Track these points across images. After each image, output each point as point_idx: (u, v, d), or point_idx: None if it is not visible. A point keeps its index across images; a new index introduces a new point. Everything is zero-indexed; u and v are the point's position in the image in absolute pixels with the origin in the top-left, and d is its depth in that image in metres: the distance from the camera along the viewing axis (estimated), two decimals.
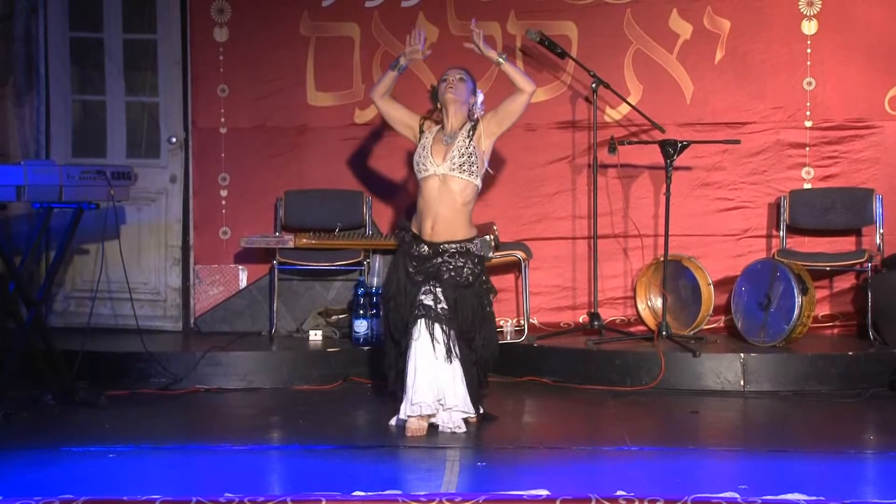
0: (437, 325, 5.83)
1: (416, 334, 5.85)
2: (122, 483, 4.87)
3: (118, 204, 6.92)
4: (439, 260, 5.99)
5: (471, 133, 6.06)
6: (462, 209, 6.05)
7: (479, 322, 6.03)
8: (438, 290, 5.90)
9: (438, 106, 6.21)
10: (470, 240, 6.09)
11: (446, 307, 5.87)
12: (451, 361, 5.83)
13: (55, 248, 7.32)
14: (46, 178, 6.37)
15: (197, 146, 8.43)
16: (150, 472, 5.16)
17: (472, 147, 6.02)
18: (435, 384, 5.80)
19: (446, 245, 6.02)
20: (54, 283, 7.91)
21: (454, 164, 5.99)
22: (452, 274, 5.96)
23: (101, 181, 6.70)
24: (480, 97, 6.21)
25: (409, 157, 8.02)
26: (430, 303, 5.87)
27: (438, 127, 6.18)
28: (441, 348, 5.82)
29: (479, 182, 6.08)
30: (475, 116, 6.14)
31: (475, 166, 6.02)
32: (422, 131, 6.19)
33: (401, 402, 5.93)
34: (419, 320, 5.86)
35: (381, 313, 6.52)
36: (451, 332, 5.85)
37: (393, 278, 6.12)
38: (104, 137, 8.49)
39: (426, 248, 6.03)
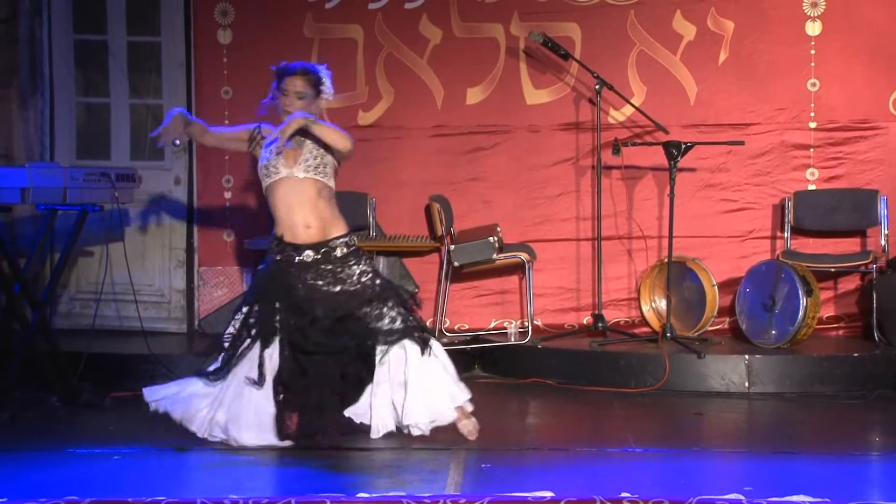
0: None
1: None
2: (127, 484, 4.87)
3: (122, 206, 6.92)
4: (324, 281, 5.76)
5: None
6: (329, 210, 5.88)
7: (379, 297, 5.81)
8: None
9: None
10: (349, 233, 5.91)
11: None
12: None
13: (60, 250, 7.31)
14: (51, 181, 6.38)
15: (201, 148, 8.43)
16: (154, 474, 5.16)
17: (320, 151, 5.81)
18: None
19: (334, 241, 5.82)
20: (59, 285, 7.91)
21: (308, 166, 5.79)
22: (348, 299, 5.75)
23: (106, 183, 6.71)
24: (327, 94, 5.93)
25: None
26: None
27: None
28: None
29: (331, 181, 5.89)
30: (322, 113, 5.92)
31: (326, 169, 5.84)
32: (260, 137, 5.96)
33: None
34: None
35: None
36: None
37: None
38: (108, 139, 8.50)
39: (310, 252, 5.79)
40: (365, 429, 5.74)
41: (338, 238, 5.83)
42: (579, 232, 8.26)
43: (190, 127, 5.99)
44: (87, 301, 8.24)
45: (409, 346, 5.69)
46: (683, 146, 7.53)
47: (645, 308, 8.05)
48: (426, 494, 4.57)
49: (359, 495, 4.57)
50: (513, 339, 7.75)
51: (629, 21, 8.20)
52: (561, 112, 8.27)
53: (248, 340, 5.70)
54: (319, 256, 5.78)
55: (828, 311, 8.04)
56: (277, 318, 5.69)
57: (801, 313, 7.23)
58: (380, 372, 5.72)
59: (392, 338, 5.70)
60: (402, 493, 4.60)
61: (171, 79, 8.42)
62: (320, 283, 5.75)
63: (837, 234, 8.08)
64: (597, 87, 7.82)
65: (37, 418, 6.29)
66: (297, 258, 5.77)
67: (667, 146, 7.55)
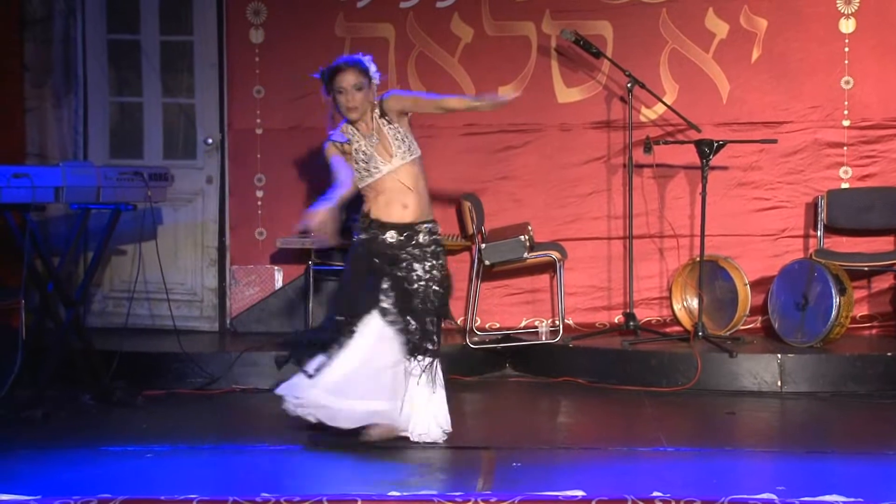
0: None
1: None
2: (160, 482, 4.89)
3: (155, 205, 6.95)
4: (405, 266, 5.73)
5: (386, 119, 5.80)
6: (425, 187, 5.86)
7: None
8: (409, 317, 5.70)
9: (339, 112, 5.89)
10: (434, 220, 5.88)
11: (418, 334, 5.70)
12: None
13: (93, 249, 7.37)
14: (84, 180, 6.42)
15: (233, 147, 8.46)
16: (186, 472, 5.19)
17: (399, 130, 5.80)
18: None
19: (419, 226, 5.78)
20: (92, 284, 7.95)
21: (402, 152, 5.78)
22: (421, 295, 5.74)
23: (139, 182, 6.74)
24: (376, 78, 5.86)
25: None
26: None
27: (355, 131, 5.85)
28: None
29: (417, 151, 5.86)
30: (376, 100, 5.85)
31: (413, 144, 5.84)
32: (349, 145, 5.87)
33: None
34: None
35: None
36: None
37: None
38: (141, 139, 8.54)
39: (394, 232, 5.75)
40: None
41: (424, 223, 5.80)
42: (610, 231, 8.24)
43: (333, 211, 5.61)
44: (120, 300, 8.28)
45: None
46: (716, 144, 7.51)
47: (676, 307, 8.02)
48: (457, 493, 4.57)
49: (390, 493, 4.58)
50: (544, 338, 7.75)
51: (661, 19, 8.17)
52: (592, 110, 8.25)
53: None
54: (403, 239, 5.75)
55: (861, 311, 7.99)
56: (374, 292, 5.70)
57: (833, 312, 7.19)
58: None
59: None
60: (433, 492, 4.60)
61: (203, 78, 8.45)
62: (394, 267, 5.73)
63: (871, 233, 8.03)
64: (628, 85, 7.80)
65: (70, 416, 6.34)
66: (380, 237, 5.74)
67: (699, 144, 7.52)
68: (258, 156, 8.45)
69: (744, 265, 7.86)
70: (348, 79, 5.74)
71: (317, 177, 8.36)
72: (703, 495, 4.46)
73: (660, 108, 8.12)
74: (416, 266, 5.72)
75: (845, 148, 8.08)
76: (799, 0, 8.08)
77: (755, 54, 8.13)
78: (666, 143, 7.87)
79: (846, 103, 8.06)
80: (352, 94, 5.74)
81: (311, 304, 8.10)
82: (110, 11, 8.46)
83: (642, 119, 8.16)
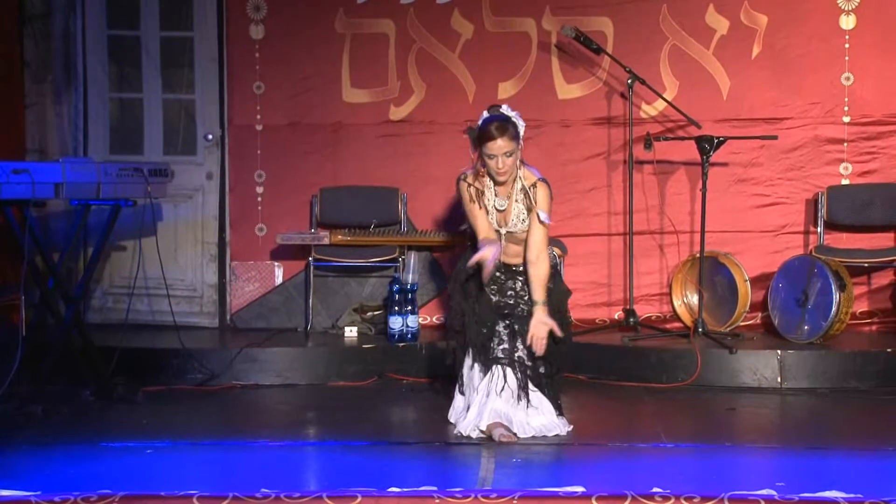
0: (510, 370, 5.80)
1: (490, 377, 5.81)
2: (160, 478, 4.89)
3: (155, 201, 6.95)
4: (517, 286, 5.98)
5: (523, 196, 5.90)
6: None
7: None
8: (516, 328, 5.88)
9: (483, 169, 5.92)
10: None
11: (523, 354, 5.83)
12: (521, 402, 5.80)
13: (93, 245, 7.36)
14: (84, 176, 6.43)
15: (233, 143, 8.46)
16: (187, 468, 5.19)
17: (523, 209, 5.91)
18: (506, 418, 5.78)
19: (517, 267, 6.00)
20: (92, 280, 7.96)
21: (515, 224, 5.91)
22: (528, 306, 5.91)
23: (139, 178, 6.74)
24: (522, 136, 5.89)
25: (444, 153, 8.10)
26: (506, 347, 5.85)
27: (488, 186, 5.94)
28: (513, 391, 5.79)
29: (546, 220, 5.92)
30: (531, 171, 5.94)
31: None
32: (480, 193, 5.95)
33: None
34: (495, 365, 5.82)
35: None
36: (527, 374, 5.83)
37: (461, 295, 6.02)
38: (141, 135, 8.54)
39: (500, 270, 5.99)
40: None
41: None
42: (611, 227, 8.24)
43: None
44: (121, 296, 8.27)
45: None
46: (716, 141, 7.50)
47: (677, 303, 8.02)
48: (457, 489, 4.57)
49: (390, 489, 4.58)
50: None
51: (661, 15, 8.16)
52: (593, 107, 8.25)
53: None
54: (504, 273, 6.00)
55: (861, 307, 7.99)
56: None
57: (834, 309, 7.19)
58: None
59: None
60: (434, 488, 4.60)
61: (203, 74, 8.45)
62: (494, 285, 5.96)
63: (871, 229, 8.03)
64: (629, 81, 7.80)
65: (70, 412, 6.34)
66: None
67: (699, 141, 7.52)
68: (258, 152, 8.44)
69: (744, 261, 7.86)
70: (501, 147, 5.75)
71: (317, 172, 8.39)
72: (702, 491, 4.46)
73: (660, 105, 8.12)
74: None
75: (845, 144, 8.08)
76: None
77: (755, 50, 8.12)
78: (666, 139, 7.87)
79: (846, 99, 8.06)
80: (503, 161, 5.77)
81: (311, 300, 8.11)
82: (110, 7, 8.45)
83: (642, 115, 8.15)
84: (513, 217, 5.90)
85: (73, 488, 4.59)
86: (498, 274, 5.97)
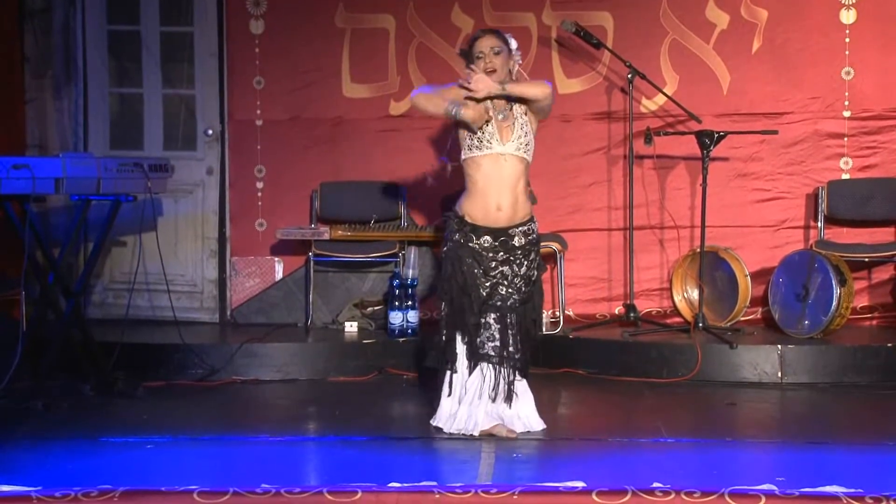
0: (500, 369, 5.71)
1: (482, 379, 5.71)
2: (160, 473, 4.89)
3: (155, 196, 6.95)
4: (505, 268, 5.73)
5: (523, 109, 5.73)
6: (524, 190, 5.76)
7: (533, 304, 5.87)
8: (506, 321, 5.73)
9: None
10: (532, 218, 5.82)
11: (512, 349, 5.73)
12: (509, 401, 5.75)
13: (93, 240, 7.37)
14: (84, 171, 6.43)
15: (233, 138, 8.46)
16: (187, 463, 5.19)
17: (528, 126, 5.72)
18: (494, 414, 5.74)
19: (513, 229, 5.72)
20: (92, 275, 7.96)
21: (520, 143, 5.68)
22: (520, 295, 5.78)
23: (139, 173, 6.75)
24: (517, 56, 5.80)
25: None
26: (497, 345, 5.72)
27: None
28: (504, 392, 5.72)
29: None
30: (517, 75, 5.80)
31: (531, 146, 5.74)
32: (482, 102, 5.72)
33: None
34: (482, 363, 5.71)
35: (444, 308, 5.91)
36: (516, 367, 5.75)
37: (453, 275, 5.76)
38: (141, 130, 8.54)
39: (489, 237, 5.71)
40: None
41: (519, 226, 5.74)
42: (611, 222, 8.24)
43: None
44: (121, 291, 8.28)
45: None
46: (716, 135, 7.50)
47: (677, 298, 8.02)
48: (457, 484, 4.57)
49: (390, 485, 4.58)
50: (544, 329, 7.73)
51: (662, 10, 8.16)
52: (593, 101, 8.25)
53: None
54: (497, 244, 5.70)
55: (861, 301, 7.98)
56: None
57: (834, 303, 7.19)
58: None
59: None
60: (434, 483, 4.60)
61: (203, 69, 8.45)
62: (482, 272, 5.71)
63: (871, 224, 8.03)
64: (629, 76, 7.79)
65: (71, 407, 6.34)
66: (473, 241, 5.70)
67: (699, 135, 7.52)
68: (258, 147, 8.44)
69: (744, 256, 7.85)
70: (489, 42, 5.72)
71: (317, 167, 8.39)
72: (703, 486, 4.45)
73: (660, 99, 8.12)
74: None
75: (846, 139, 8.07)
76: None
77: (756, 45, 8.12)
78: (666, 133, 7.86)
79: (847, 94, 8.05)
80: (490, 58, 5.69)
81: (311, 296, 8.11)
82: (110, 2, 8.46)
83: (643, 110, 8.15)
84: (517, 129, 5.66)
85: (73, 483, 4.59)
86: (486, 244, 5.69)
